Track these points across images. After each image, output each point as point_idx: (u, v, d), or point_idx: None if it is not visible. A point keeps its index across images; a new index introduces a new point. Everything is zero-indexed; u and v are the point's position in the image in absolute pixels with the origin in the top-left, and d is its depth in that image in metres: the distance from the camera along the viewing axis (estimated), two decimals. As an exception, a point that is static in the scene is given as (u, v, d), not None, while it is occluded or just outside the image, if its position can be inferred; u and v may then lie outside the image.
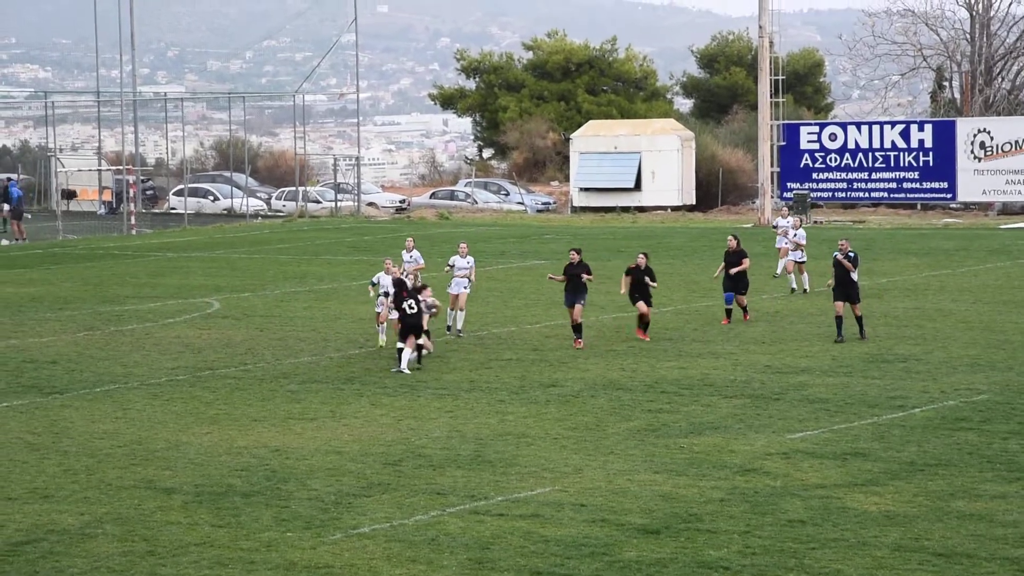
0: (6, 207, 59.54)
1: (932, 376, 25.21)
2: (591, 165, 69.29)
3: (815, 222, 61.31)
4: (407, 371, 26.01)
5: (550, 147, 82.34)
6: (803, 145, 66.23)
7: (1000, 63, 77.08)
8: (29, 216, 61.75)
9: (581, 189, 69.62)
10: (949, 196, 64.54)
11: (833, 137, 66.13)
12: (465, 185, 76.12)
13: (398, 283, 26.74)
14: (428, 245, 52.97)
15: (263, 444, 20.78)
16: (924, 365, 26.31)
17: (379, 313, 28.11)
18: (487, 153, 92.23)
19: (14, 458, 20.15)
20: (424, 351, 26.70)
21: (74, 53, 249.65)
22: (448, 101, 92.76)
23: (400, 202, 74.44)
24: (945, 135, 64.09)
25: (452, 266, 30.62)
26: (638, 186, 68.65)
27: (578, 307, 28.71)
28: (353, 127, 77.18)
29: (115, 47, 67.24)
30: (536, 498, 17.61)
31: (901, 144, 64.72)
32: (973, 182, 63.53)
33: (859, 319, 29.12)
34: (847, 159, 65.62)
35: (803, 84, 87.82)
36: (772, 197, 63.54)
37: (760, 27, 63.32)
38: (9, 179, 65.00)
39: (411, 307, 26.27)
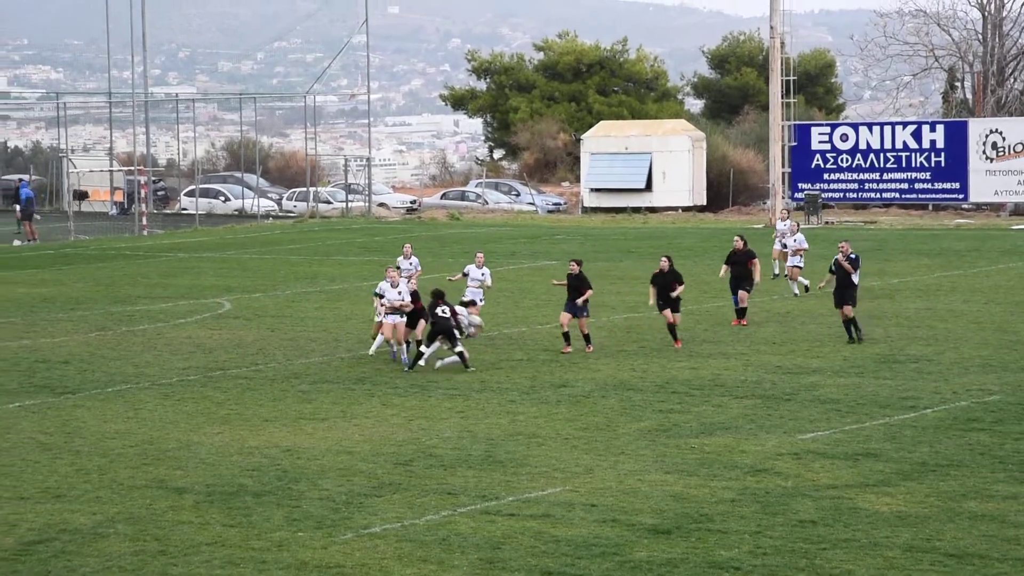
0: (17, 208, 59.68)
1: (944, 377, 25.18)
2: (602, 166, 69.28)
3: (826, 223, 61.26)
4: (423, 363, 26.51)
5: (561, 148, 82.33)
6: (814, 146, 66.15)
7: (1012, 63, 76.92)
8: (39, 217, 61.89)
9: (592, 190, 69.61)
10: (961, 197, 64.43)
11: (844, 138, 66.05)
12: (476, 186, 76.13)
13: (437, 293, 26.83)
14: (438, 246, 53.02)
15: (274, 444, 20.81)
16: (936, 366, 26.27)
17: (381, 323, 27.51)
18: (498, 154, 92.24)
19: (26, 458, 20.19)
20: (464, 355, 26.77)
21: (86, 54, 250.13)
22: (459, 102, 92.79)
23: (411, 203, 74.49)
24: (957, 136, 63.98)
25: (466, 274, 30.33)
26: (649, 187, 68.62)
27: (582, 320, 28.11)
28: (364, 128, 77.25)
29: (126, 48, 67.39)
30: (547, 498, 17.61)
31: (913, 145, 64.63)
32: (985, 183, 63.41)
33: (853, 320, 28.71)
34: (858, 160, 65.53)
35: (814, 85, 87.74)
36: (783, 198, 63.48)
37: (771, 27, 63.27)
38: (20, 180, 65.14)
39: (443, 311, 26.41)
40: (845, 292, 28.78)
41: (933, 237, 54.08)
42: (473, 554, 15.39)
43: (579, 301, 27.93)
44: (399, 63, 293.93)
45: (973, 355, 27.34)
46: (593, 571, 14.77)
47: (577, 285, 28.14)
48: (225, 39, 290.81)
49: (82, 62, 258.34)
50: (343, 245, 54.16)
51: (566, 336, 28.22)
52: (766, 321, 32.27)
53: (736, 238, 32.29)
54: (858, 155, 65.51)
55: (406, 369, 26.44)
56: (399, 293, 26.94)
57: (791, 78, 63.84)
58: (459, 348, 26.51)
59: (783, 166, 63.96)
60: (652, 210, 67.53)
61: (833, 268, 29.01)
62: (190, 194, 71.71)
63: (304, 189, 72.59)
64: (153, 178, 70.34)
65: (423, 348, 26.70)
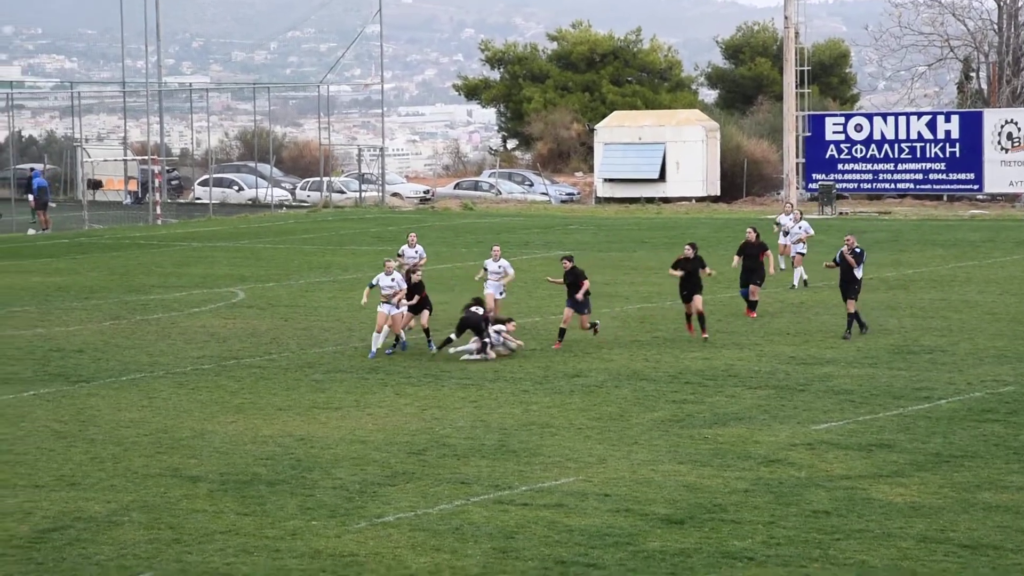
0: (30, 197, 59.77)
1: (958, 367, 25.13)
2: (615, 156, 69.21)
3: (840, 213, 61.15)
4: (434, 350, 26.85)
5: (574, 138, 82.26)
6: (828, 136, 66.02)
7: (1028, 54, 76.68)
8: (54, 205, 61.99)
9: (605, 180, 69.56)
10: (976, 187, 64.27)
11: (859, 128, 65.91)
12: (489, 176, 76.11)
13: (478, 300, 27.17)
14: (452, 236, 53.04)
15: (288, 433, 20.84)
16: (950, 356, 26.23)
17: (394, 316, 27.17)
18: (511, 144, 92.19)
19: (41, 446, 20.25)
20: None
21: (100, 43, 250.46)
22: (472, 92, 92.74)
23: (424, 192, 74.49)
24: (972, 126, 63.80)
25: (485, 269, 30.02)
26: (662, 177, 68.55)
27: (583, 317, 27.80)
28: (377, 117, 77.26)
29: (140, 37, 67.40)
30: (560, 488, 17.62)
31: (927, 135, 64.47)
32: (1000, 173, 63.24)
33: (852, 315, 28.45)
34: (873, 150, 65.39)
35: (828, 75, 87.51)
36: (797, 188, 63.37)
37: (785, 17, 63.14)
38: (32, 169, 65.23)
39: (476, 309, 26.75)
40: (847, 286, 28.57)
41: (948, 228, 53.96)
42: (486, 543, 15.40)
43: (579, 296, 27.68)
44: (412, 53, 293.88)
45: (988, 346, 27.29)
46: (606, 561, 14.78)
47: (573, 280, 27.92)
48: (239, 28, 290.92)
49: (96, 51, 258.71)
50: (357, 235, 54.20)
51: (561, 332, 27.95)
52: (780, 312, 32.23)
53: (749, 230, 32.11)
54: (872, 145, 65.37)
55: (371, 356, 26.58)
56: (392, 280, 26.92)
57: (805, 68, 63.70)
58: (484, 340, 26.53)
59: (797, 156, 63.85)
60: (666, 200, 67.46)
61: (837, 260, 28.81)
62: (204, 183, 71.78)
63: (318, 179, 72.62)
64: (167, 167, 70.41)
65: (452, 336, 26.81)
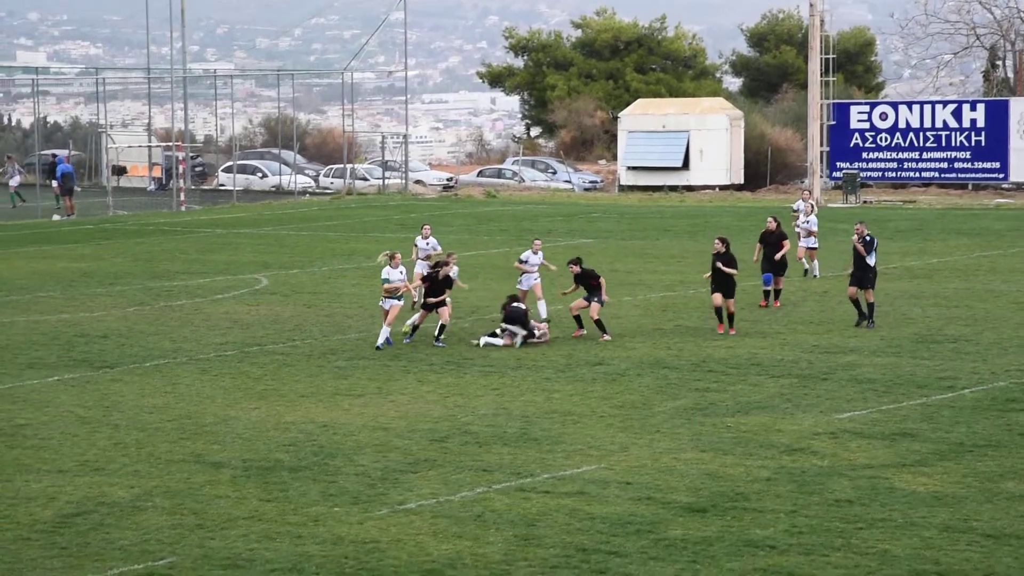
0: (54, 183, 59.96)
1: (982, 357, 25.04)
2: (639, 143, 69.09)
3: (864, 202, 60.95)
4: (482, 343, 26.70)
5: (598, 126, 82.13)
6: (853, 124, 65.79)
7: (1055, 42, 76.29)
8: (79, 189, 62.16)
9: (629, 168, 69.45)
10: (1001, 176, 63.97)
11: (884, 116, 65.67)
12: (512, 163, 76.05)
13: (514, 297, 27.29)
14: (475, 223, 53.04)
15: (311, 420, 20.89)
16: (974, 346, 26.13)
17: (386, 311, 26.68)
18: (535, 131, 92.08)
19: (65, 431, 20.34)
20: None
21: (124, 30, 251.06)
22: (496, 79, 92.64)
23: (447, 180, 74.48)
24: (998, 115, 63.50)
25: (525, 261, 29.52)
26: (686, 165, 68.41)
27: (595, 305, 27.42)
28: (401, 105, 77.21)
29: (165, 24, 67.51)
30: (582, 476, 17.63)
31: (953, 124, 64.20)
32: (1025, 162, 62.94)
33: (870, 306, 28.28)
34: (898, 139, 65.14)
35: (854, 63, 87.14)
36: (821, 176, 63.20)
37: (811, 5, 62.89)
38: (54, 155, 65.39)
39: (517, 306, 26.99)
40: (862, 275, 28.35)
41: (972, 217, 53.74)
42: (508, 531, 15.42)
43: (604, 297, 27.46)
44: (436, 40, 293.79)
45: (1012, 335, 27.18)
46: (628, 548, 14.78)
47: (586, 283, 27.70)
48: (263, 15, 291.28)
49: (121, 38, 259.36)
50: (380, 222, 54.24)
51: (578, 319, 27.80)
52: (803, 300, 32.15)
53: (769, 219, 31.96)
54: (897, 134, 65.12)
55: (379, 346, 26.38)
56: (401, 274, 26.59)
57: (830, 56, 63.47)
58: (527, 332, 26.74)
59: (822, 145, 63.65)
60: (689, 188, 67.33)
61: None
62: (228, 170, 71.91)
63: (341, 166, 72.68)
64: (191, 154, 70.55)
65: (497, 331, 26.88)
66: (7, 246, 46.65)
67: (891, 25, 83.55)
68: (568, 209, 59.03)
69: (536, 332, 26.93)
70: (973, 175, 64.40)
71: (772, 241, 31.22)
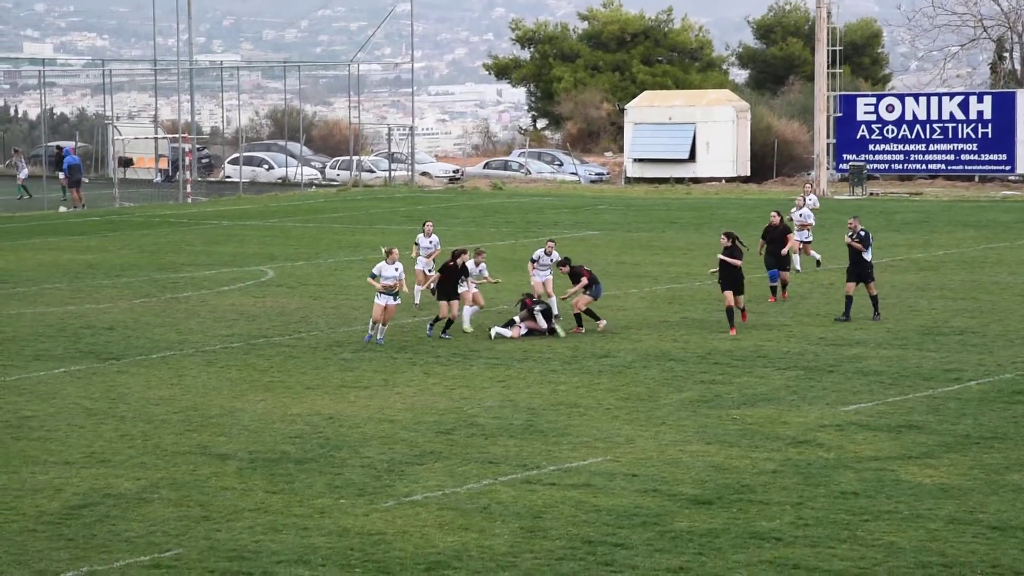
0: (61, 175, 59.97)
1: (988, 349, 25.02)
2: (645, 136, 69.03)
3: (871, 194, 60.89)
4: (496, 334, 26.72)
5: (604, 118, 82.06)
6: (860, 116, 65.70)
7: (1062, 34, 76.13)
8: (87, 180, 62.18)
9: (635, 160, 69.40)
10: (1008, 168, 63.86)
11: (890, 108, 65.57)
12: (519, 155, 76.01)
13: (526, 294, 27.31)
14: (481, 215, 53.03)
15: (317, 412, 20.91)
16: (980, 338, 26.11)
17: (388, 307, 26.10)
18: (541, 123, 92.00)
19: (72, 423, 20.37)
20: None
21: (131, 21, 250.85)
22: (502, 71, 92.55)
23: (453, 172, 74.45)
24: (1005, 107, 63.39)
25: (536, 260, 29.28)
26: (692, 157, 68.34)
27: (585, 297, 27.21)
28: (407, 97, 77.27)
29: (172, 15, 67.47)
30: (588, 468, 17.63)
31: (959, 116, 64.10)
32: (1033, 155, 62.84)
33: (873, 299, 28.12)
34: (904, 131, 65.05)
35: (860, 55, 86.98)
36: (828, 169, 63.12)
37: (817, -3, 62.77)
38: (58, 147, 65.40)
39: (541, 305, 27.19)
40: (859, 270, 28.09)
41: (979, 209, 53.67)
42: (514, 523, 15.43)
43: (578, 287, 27.30)
44: (443, 32, 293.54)
45: (1019, 327, 27.16)
46: (634, 540, 14.79)
47: (578, 277, 27.54)
48: (270, 7, 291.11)
49: (127, 29, 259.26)
50: (386, 214, 54.25)
51: (577, 317, 27.70)
52: (809, 293, 32.13)
53: (773, 213, 31.75)
54: (904, 126, 65.02)
55: (377, 340, 26.01)
56: (396, 271, 26.02)
57: (837, 48, 63.38)
58: (553, 326, 26.94)
59: (828, 137, 63.57)
60: (695, 181, 67.27)
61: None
62: (234, 162, 71.92)
63: (347, 158, 72.67)
64: (197, 146, 70.55)
65: (515, 318, 26.97)
66: (14, 238, 46.70)
67: (898, 17, 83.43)
68: (574, 201, 59.01)
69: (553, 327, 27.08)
70: (980, 167, 64.29)
71: (776, 236, 31.03)
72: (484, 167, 74.06)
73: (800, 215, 35.54)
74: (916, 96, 67.00)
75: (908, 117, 65.01)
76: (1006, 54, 77.77)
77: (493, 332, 26.77)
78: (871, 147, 65.41)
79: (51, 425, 20.25)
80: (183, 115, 67.70)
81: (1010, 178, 64.59)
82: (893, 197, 60.01)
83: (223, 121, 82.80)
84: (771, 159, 69.68)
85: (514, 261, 36.60)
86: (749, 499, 16.19)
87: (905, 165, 65.46)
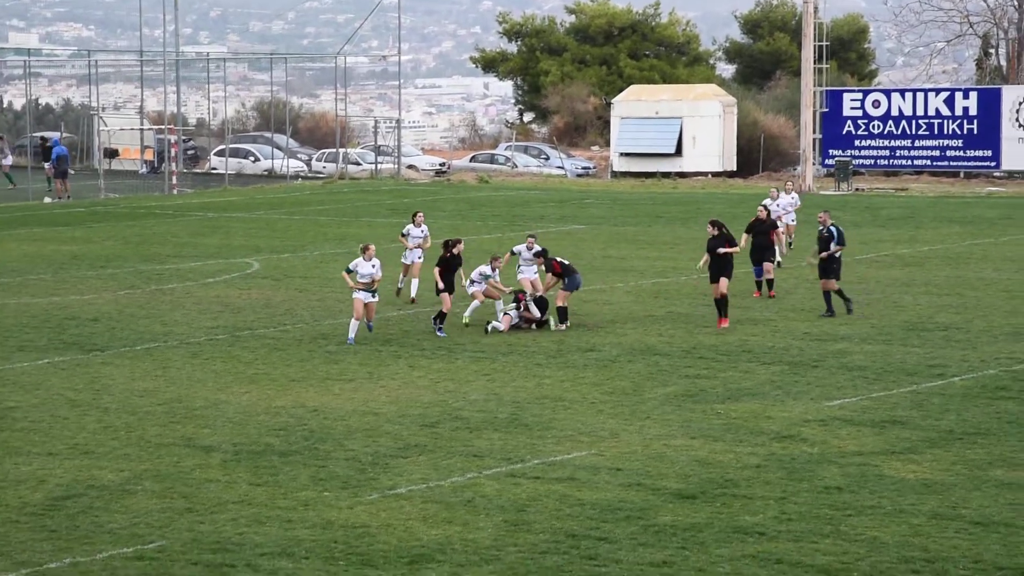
0: (47, 165, 59.80)
1: (972, 345, 25.08)
2: (632, 130, 69.04)
3: (857, 190, 60.98)
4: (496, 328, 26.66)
5: (591, 112, 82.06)
6: (846, 112, 65.78)
7: (1047, 31, 76.26)
8: (73, 173, 62.03)
9: (622, 154, 69.41)
10: (993, 164, 64.00)
11: (876, 104, 65.67)
12: (505, 149, 75.98)
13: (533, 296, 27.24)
14: (468, 208, 53.00)
15: (301, 404, 20.89)
16: (964, 334, 26.17)
17: (368, 304, 25.63)
18: (528, 117, 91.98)
19: (55, 414, 20.33)
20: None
21: (117, 12, 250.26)
22: (489, 64, 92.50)
23: (440, 165, 74.41)
24: (990, 103, 63.52)
25: (518, 254, 29.18)
26: (679, 151, 68.37)
27: (563, 292, 27.15)
28: (394, 89, 77.21)
29: (158, 6, 67.32)
30: (572, 462, 17.65)
31: (945, 112, 64.21)
32: (1018, 150, 62.94)
33: (837, 292, 28.06)
34: (890, 126, 65.15)
35: (847, 50, 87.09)
36: (813, 164, 63.19)
37: (804, -8, 62.82)
38: (43, 138, 65.20)
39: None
40: (827, 265, 28.14)
41: (964, 205, 53.79)
42: (498, 516, 15.44)
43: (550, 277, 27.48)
44: (430, 24, 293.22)
45: (1003, 323, 27.23)
46: (617, 535, 14.80)
47: (548, 270, 27.66)
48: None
49: (113, 20, 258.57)
50: (372, 206, 54.20)
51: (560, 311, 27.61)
52: (794, 288, 32.17)
53: (760, 207, 31.77)
54: (890, 122, 65.12)
55: (350, 341, 25.45)
56: (373, 267, 25.58)
57: (824, 43, 63.45)
58: (546, 317, 26.97)
59: (814, 132, 63.64)
60: (682, 175, 67.31)
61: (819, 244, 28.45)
62: (220, 154, 71.78)
63: (333, 150, 72.58)
64: (183, 137, 70.41)
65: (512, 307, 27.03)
66: (-2, 228, 46.57)
67: (885, 12, 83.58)
68: (560, 195, 59.01)
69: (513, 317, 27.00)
70: (965, 163, 64.42)
71: (763, 230, 30.96)
72: (470, 160, 74.02)
73: (777, 206, 35.67)
74: (902, 92, 67.12)
75: (894, 113, 65.12)
76: (992, 50, 77.91)
77: (489, 327, 26.72)
78: (857, 142, 65.50)
79: (34, 416, 20.21)
80: (169, 106, 67.55)
81: (995, 174, 64.74)
82: (879, 193, 60.11)
83: (209, 113, 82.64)
84: (757, 154, 69.74)
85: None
86: (733, 494, 16.22)
87: (891, 161, 65.57)
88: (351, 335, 25.76)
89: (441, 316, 26.52)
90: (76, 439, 18.89)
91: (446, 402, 20.96)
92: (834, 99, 65.84)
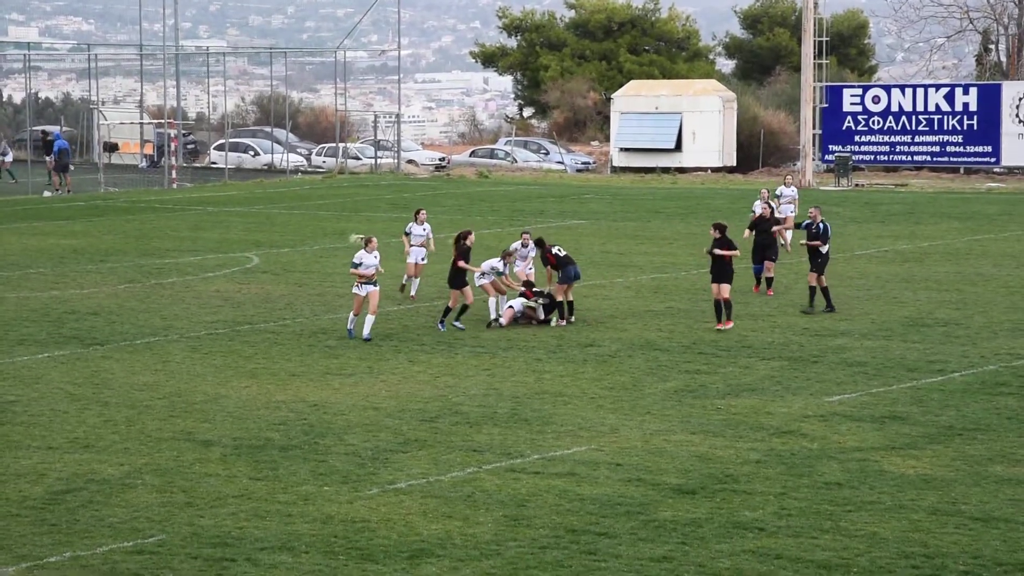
0: (48, 159, 59.77)
1: (972, 341, 25.09)
2: (632, 125, 69.02)
3: (856, 185, 60.97)
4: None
5: (591, 107, 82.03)
6: (846, 107, 65.76)
7: (1048, 27, 76.24)
8: (72, 167, 62.02)
9: (621, 149, 69.39)
10: (993, 160, 64.00)
11: (876, 100, 65.65)
12: (505, 144, 75.96)
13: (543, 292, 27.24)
14: (467, 203, 52.99)
15: (301, 399, 20.89)
16: (964, 329, 26.18)
17: (371, 293, 25.45)
18: (527, 112, 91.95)
19: (55, 408, 20.33)
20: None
21: (117, 6, 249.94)
22: (489, 59, 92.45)
23: (440, 160, 74.38)
24: (990, 99, 63.50)
25: (513, 252, 29.09)
26: (679, 147, 68.35)
27: (559, 286, 27.07)
28: (394, 84, 77.18)
29: (158, 1, 67.29)
30: (572, 457, 17.65)
31: (945, 107, 64.19)
32: (1018, 146, 62.95)
33: (824, 290, 28.01)
34: (890, 122, 65.14)
35: (847, 46, 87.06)
36: (813, 159, 63.18)
37: (805, -13, 62.78)
38: (44, 131, 65.17)
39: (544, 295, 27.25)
40: (812, 260, 28.14)
41: (964, 201, 53.78)
42: (498, 511, 15.44)
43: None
44: (430, 19, 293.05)
45: (1002, 319, 27.23)
46: (617, 530, 14.81)
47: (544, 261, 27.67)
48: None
49: (113, 14, 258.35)
50: (372, 201, 54.19)
51: (559, 307, 27.60)
52: (794, 284, 32.17)
53: (752, 213, 31.69)
54: (890, 117, 65.11)
55: (350, 335, 25.51)
56: (376, 259, 25.57)
57: (824, 39, 63.41)
58: (551, 317, 26.90)
59: (814, 128, 63.62)
60: (681, 170, 67.30)
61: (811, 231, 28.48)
62: (219, 148, 71.75)
63: (333, 145, 72.56)
64: (183, 131, 70.39)
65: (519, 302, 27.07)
66: (-2, 222, 46.56)
67: (885, 8, 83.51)
68: (560, 190, 59.00)
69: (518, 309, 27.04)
70: (965, 159, 64.41)
71: (764, 227, 30.86)
72: (470, 155, 74.00)
73: (767, 204, 35.44)
74: (902, 87, 67.10)
75: (894, 108, 65.10)
76: (992, 46, 77.89)
77: (494, 322, 26.69)
78: (857, 138, 65.49)
79: (35, 410, 20.21)
80: (169, 100, 67.51)
81: (995, 170, 64.72)
82: (878, 188, 60.11)
83: (209, 107, 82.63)
84: (757, 149, 69.72)
85: (499, 250, 36.52)
86: (733, 489, 16.22)
87: (891, 156, 65.56)
88: (350, 326, 25.85)
89: (455, 311, 26.47)
90: (76, 433, 18.89)
91: (446, 397, 20.96)
92: (834, 95, 65.82)
